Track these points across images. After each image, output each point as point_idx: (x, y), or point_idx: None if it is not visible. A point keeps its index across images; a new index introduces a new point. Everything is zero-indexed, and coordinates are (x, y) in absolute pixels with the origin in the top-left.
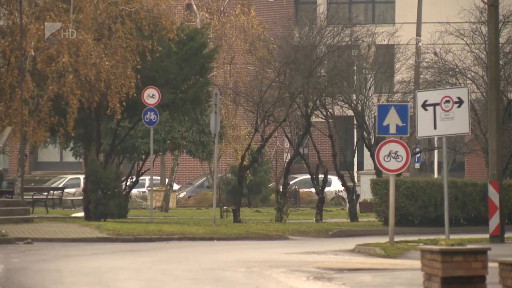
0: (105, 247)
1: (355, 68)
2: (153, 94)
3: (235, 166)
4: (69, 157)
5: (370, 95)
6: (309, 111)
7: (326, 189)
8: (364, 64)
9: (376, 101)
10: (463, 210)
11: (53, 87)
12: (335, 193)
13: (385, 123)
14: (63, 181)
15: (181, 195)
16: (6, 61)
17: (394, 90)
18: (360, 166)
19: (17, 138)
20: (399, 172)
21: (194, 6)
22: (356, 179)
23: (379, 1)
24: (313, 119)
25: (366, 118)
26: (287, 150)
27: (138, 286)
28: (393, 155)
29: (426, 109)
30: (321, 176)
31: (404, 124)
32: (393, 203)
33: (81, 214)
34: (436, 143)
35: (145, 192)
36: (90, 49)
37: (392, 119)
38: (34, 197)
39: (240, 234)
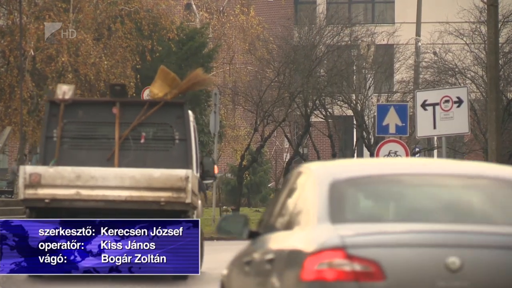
0: None
1: (354, 68)
2: None
3: (234, 166)
4: None
5: (369, 95)
6: (308, 111)
7: None
8: (364, 64)
9: (375, 101)
10: None
11: (52, 87)
12: None
13: (384, 123)
14: None
15: None
16: (5, 61)
17: (394, 90)
18: None
19: (17, 137)
20: None
21: (194, 6)
22: None
23: (379, 1)
24: (313, 119)
25: (366, 118)
26: (286, 150)
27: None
28: (392, 154)
29: (425, 109)
30: None
31: (404, 124)
32: None
33: None
34: (435, 143)
35: None
36: (90, 49)
37: (392, 119)
38: None
39: None
